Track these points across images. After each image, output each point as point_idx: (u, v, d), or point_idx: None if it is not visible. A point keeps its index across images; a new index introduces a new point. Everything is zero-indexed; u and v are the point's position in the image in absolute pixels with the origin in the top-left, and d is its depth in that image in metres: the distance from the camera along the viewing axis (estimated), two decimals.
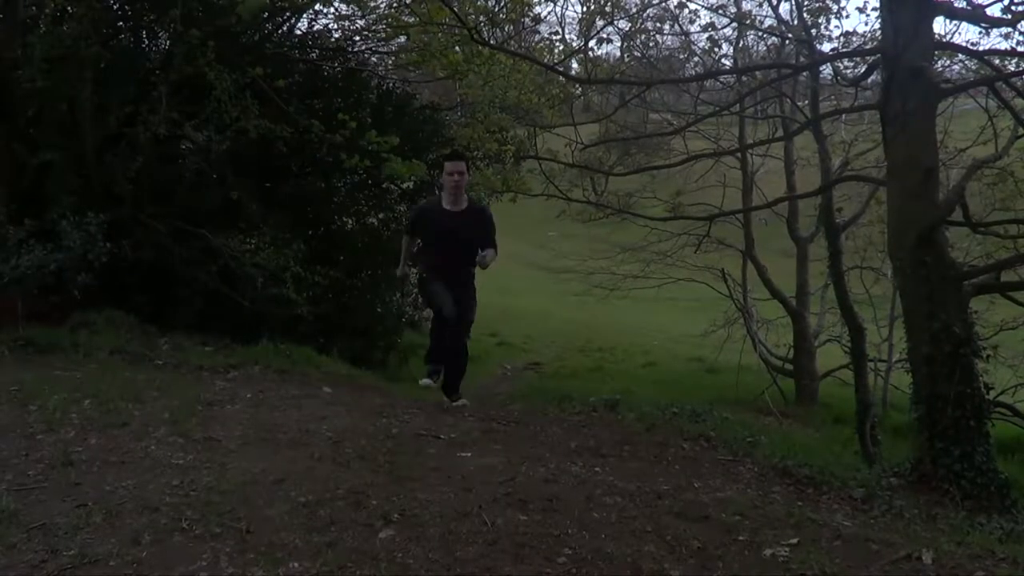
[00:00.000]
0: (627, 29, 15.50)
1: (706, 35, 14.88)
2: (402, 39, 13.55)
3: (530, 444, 6.74)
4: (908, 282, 7.54)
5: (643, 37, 16.55)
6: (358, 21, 13.48)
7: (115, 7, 11.88)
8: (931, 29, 7.89)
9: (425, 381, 8.38)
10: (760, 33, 16.90)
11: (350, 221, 14.64)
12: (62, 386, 7.37)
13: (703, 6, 17.95)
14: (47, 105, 10.97)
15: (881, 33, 8.73)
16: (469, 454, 6.18)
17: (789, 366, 19.27)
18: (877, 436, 12.63)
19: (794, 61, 15.26)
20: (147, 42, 12.62)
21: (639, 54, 17.24)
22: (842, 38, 15.45)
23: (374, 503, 4.98)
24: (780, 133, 17.92)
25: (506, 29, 15.00)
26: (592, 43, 13.42)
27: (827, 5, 13.18)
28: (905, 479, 7.16)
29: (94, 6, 10.27)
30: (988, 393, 7.42)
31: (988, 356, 7.93)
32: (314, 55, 13.89)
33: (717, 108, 14.16)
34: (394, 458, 5.95)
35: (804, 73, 14.21)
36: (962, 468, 6.91)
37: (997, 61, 10.08)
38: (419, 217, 8.82)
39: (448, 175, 8.35)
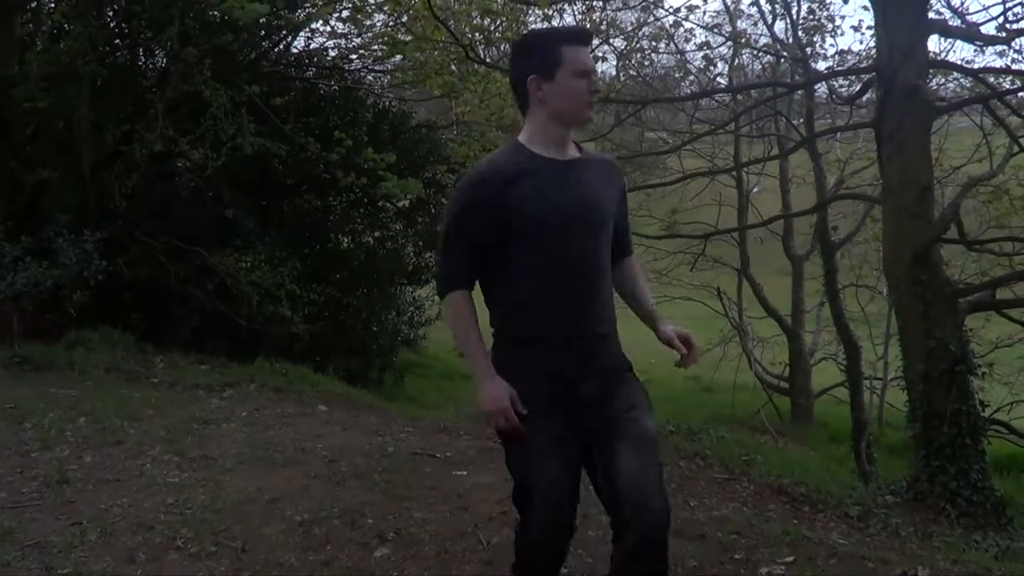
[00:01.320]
0: (623, 48, 15.56)
1: (701, 54, 14.90)
2: (398, 58, 13.59)
3: None
4: (903, 300, 7.55)
5: (639, 56, 16.60)
6: (354, 40, 13.52)
7: (112, 25, 11.91)
8: (926, 47, 7.93)
9: None
10: (755, 52, 16.99)
11: (346, 239, 14.65)
12: (58, 404, 7.37)
13: (698, 25, 18.05)
14: (44, 123, 10.99)
15: (876, 51, 8.77)
16: (465, 472, 6.17)
17: (785, 384, 19.29)
18: (873, 454, 12.65)
19: (789, 79, 15.34)
20: (144, 60, 12.65)
21: (634, 73, 17.27)
22: (837, 56, 15.54)
23: (370, 522, 4.98)
24: (775, 151, 17.96)
25: (501, 48, 15.05)
26: None
27: (822, 24, 13.26)
28: (901, 497, 7.17)
29: (91, 24, 10.30)
30: (984, 411, 7.44)
31: (984, 374, 7.96)
32: (310, 73, 13.92)
33: (712, 127, 14.22)
34: (390, 477, 5.94)
35: (799, 92, 14.25)
36: (958, 486, 6.92)
37: (992, 79, 10.12)
38: (492, 196, 3.20)
39: (571, 74, 3.22)
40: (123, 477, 5.62)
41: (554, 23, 11.78)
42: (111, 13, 11.77)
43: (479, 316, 3.30)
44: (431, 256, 15.54)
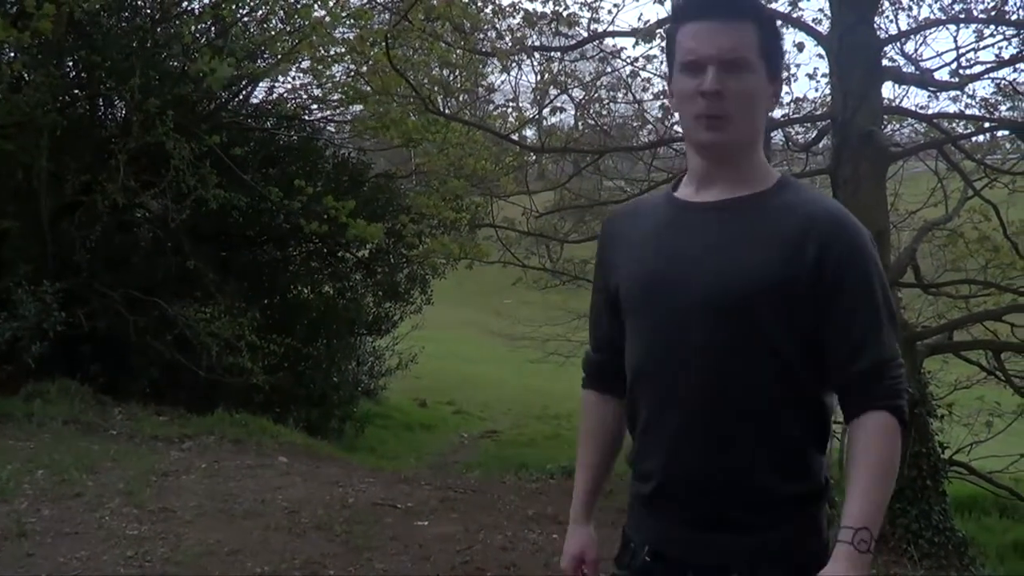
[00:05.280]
0: (581, 98, 15.72)
1: (659, 103, 15.05)
2: (358, 108, 13.62)
3: (487, 512, 6.72)
4: None
5: (597, 106, 16.77)
6: (315, 90, 13.55)
7: (72, 75, 11.90)
8: (880, 94, 8.06)
9: None
10: None
11: (306, 290, 14.62)
12: (15, 456, 7.27)
13: (655, 74, 18.20)
14: (3, 172, 10.92)
15: (831, 98, 8.89)
16: (426, 523, 6.15)
17: None
18: (834, 498, 12.68)
19: None
20: (104, 110, 12.63)
21: (593, 122, 17.44)
22: (793, 104, 15.73)
23: (331, 573, 4.95)
24: None
25: (460, 98, 15.14)
26: (546, 112, 13.57)
27: None
28: None
29: (52, 74, 10.28)
30: (944, 452, 7.49)
31: (943, 416, 8.02)
32: (270, 123, 13.93)
33: (671, 175, 14.31)
34: (351, 528, 5.91)
35: None
36: (920, 528, 6.96)
37: (946, 124, 10.29)
38: (603, 243, 2.43)
39: (679, 68, 2.00)
40: (82, 530, 5.55)
41: (512, 74, 11.84)
42: (71, 64, 11.76)
43: None
44: (391, 306, 15.50)
